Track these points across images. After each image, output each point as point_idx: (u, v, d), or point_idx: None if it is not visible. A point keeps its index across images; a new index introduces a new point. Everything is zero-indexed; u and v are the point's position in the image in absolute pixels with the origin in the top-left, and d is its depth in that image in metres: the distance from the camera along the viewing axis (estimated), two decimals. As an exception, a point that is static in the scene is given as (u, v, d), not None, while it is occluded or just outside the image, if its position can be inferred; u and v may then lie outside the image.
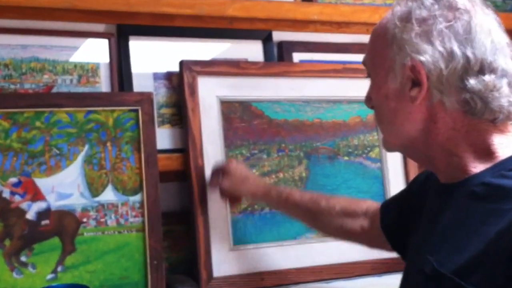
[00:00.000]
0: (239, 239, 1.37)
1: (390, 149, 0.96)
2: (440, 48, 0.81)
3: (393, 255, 1.21)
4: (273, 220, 1.41)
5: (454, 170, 0.85)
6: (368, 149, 1.54)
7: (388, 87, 0.87)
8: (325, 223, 1.20)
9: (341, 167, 1.50)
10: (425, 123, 0.85)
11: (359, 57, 1.63)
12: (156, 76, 1.45)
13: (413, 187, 1.06)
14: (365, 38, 1.65)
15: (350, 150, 1.52)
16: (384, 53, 0.87)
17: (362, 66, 1.54)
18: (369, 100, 0.95)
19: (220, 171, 1.32)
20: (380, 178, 1.53)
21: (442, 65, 0.81)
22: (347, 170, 1.50)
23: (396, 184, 1.52)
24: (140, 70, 1.43)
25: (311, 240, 1.43)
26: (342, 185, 1.49)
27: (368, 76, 0.94)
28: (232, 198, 1.34)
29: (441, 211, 0.86)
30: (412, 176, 1.52)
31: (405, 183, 1.53)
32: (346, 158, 1.51)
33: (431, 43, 0.82)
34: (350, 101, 1.54)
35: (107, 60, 1.41)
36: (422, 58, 0.82)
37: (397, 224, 1.06)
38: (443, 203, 0.86)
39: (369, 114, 1.55)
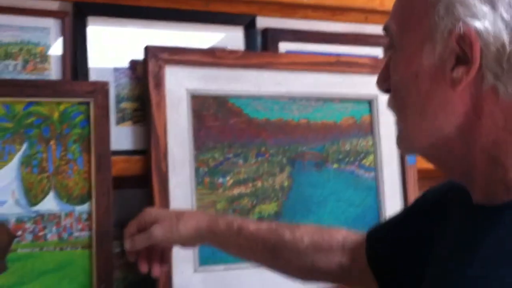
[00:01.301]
0: (206, 258, 1.17)
1: (409, 149, 0.73)
2: (505, 15, 0.60)
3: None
4: (248, 236, 1.21)
5: (497, 187, 0.64)
6: (362, 155, 1.33)
7: (421, 62, 0.64)
8: (290, 260, 0.93)
9: (329, 176, 1.30)
10: (466, 118, 0.63)
11: (355, 49, 1.45)
12: (117, 65, 1.24)
13: (418, 209, 0.85)
14: (362, 28, 1.48)
15: (341, 156, 1.32)
16: (420, 14, 0.64)
17: (359, 60, 1.37)
18: (385, 80, 0.71)
19: (136, 225, 0.98)
20: (374, 190, 1.33)
21: (506, 39, 0.60)
22: (336, 180, 1.30)
23: (392, 197, 1.33)
24: (99, 57, 1.22)
25: (292, 261, 1.23)
26: (330, 197, 1.29)
27: (390, 47, 0.70)
28: (161, 252, 1.00)
29: (476, 242, 0.64)
30: (412, 189, 1.33)
31: (402, 196, 1.33)
32: (336, 165, 1.31)
33: (493, 5, 0.60)
34: (343, 99, 1.34)
35: (60, 43, 1.20)
36: (478, 25, 0.60)
37: (392, 259, 0.84)
38: (479, 231, 0.65)
39: (364, 115, 1.35)
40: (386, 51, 0.72)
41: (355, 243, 0.90)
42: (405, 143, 0.71)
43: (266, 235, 0.94)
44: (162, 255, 0.99)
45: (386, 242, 0.86)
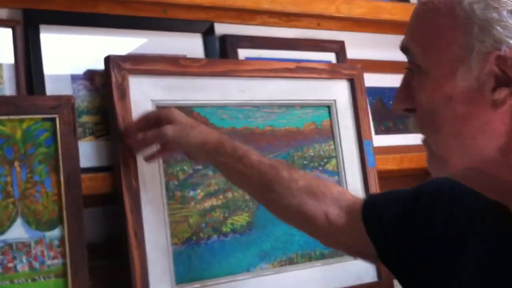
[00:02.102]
0: (183, 275, 1.12)
1: (443, 171, 0.71)
2: None
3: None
4: (222, 251, 1.18)
5: None
6: (325, 160, 1.34)
7: (454, 85, 0.64)
8: (280, 197, 0.96)
9: (296, 183, 1.29)
10: (508, 138, 0.64)
11: (311, 55, 1.45)
12: (74, 76, 1.16)
13: (423, 200, 0.85)
14: (316, 34, 1.48)
15: (305, 162, 1.31)
16: (449, 36, 0.64)
17: (317, 65, 1.38)
18: (405, 100, 0.70)
19: (154, 120, 1.07)
20: (339, 194, 1.33)
21: None
22: (303, 186, 1.29)
23: (356, 200, 1.34)
24: (54, 68, 1.13)
25: (267, 272, 1.21)
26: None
27: (412, 67, 0.70)
28: (167, 148, 1.09)
29: None
30: (374, 190, 1.36)
31: (366, 198, 1.35)
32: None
33: None
34: (303, 105, 1.34)
35: (11, 54, 1.10)
36: None
37: (395, 232, 0.84)
38: None
39: (324, 120, 1.36)
40: (407, 70, 0.70)
41: (352, 205, 0.91)
42: (438, 165, 0.70)
43: (265, 168, 0.97)
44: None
45: (387, 216, 0.87)
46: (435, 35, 0.66)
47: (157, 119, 1.06)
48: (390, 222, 0.86)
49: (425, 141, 0.71)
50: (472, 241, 0.72)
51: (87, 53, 1.18)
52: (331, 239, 0.97)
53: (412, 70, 0.70)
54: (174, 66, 1.18)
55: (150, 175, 1.12)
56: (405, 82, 0.71)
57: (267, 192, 0.97)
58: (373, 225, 0.88)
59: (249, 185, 1.01)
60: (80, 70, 1.16)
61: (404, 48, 0.70)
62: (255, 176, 0.98)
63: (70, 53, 1.16)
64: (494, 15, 0.61)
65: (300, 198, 0.94)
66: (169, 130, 1.03)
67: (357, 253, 0.98)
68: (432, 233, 0.80)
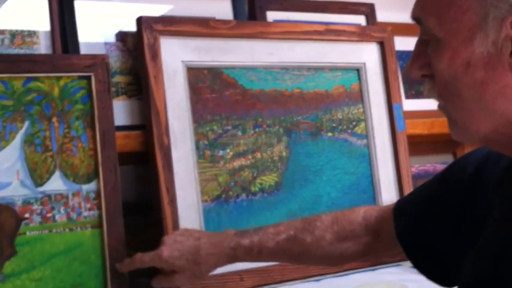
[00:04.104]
0: (213, 231, 1.16)
1: (466, 136, 0.71)
2: None
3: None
4: (250, 209, 1.21)
5: None
6: (354, 123, 1.35)
7: (472, 51, 0.65)
8: (319, 259, 0.96)
9: (324, 145, 1.31)
10: None
11: (340, 18, 1.46)
12: (107, 43, 1.19)
13: (450, 179, 0.85)
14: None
15: (334, 125, 1.33)
16: (463, 4, 0.65)
17: (347, 28, 1.38)
18: (421, 68, 0.71)
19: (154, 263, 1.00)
20: (367, 157, 1.35)
21: None
22: (331, 148, 1.31)
23: (384, 164, 1.35)
24: (88, 35, 1.16)
25: (294, 230, 1.23)
26: (327, 166, 1.30)
27: (425, 37, 0.70)
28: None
29: None
30: (403, 155, 1.36)
31: (394, 162, 1.36)
32: (329, 134, 1.32)
33: None
34: (332, 68, 1.35)
35: (47, 14, 1.13)
36: None
37: (422, 234, 0.86)
38: None
39: (353, 83, 1.36)
40: (420, 39, 0.71)
41: (377, 220, 0.92)
42: (461, 131, 0.71)
43: (288, 247, 0.95)
44: None
45: (414, 216, 0.87)
46: (448, 3, 0.66)
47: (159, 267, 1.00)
48: (417, 221, 0.87)
49: (441, 107, 0.72)
50: (498, 205, 0.73)
51: (118, 15, 1.20)
52: (380, 257, 1.01)
53: (426, 39, 0.70)
54: (204, 27, 1.21)
55: (180, 134, 1.15)
56: (418, 51, 0.71)
57: (304, 262, 1.01)
58: (403, 233, 0.89)
59: (285, 262, 1.06)
60: (113, 37, 1.19)
61: (415, 19, 0.70)
62: (284, 258, 1.00)
63: (102, 15, 1.19)
64: None
65: (337, 250, 0.94)
66: (181, 280, 0.98)
67: (392, 256, 1.00)
68: (459, 215, 0.80)
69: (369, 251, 0.94)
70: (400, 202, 0.92)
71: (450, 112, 0.71)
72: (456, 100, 0.68)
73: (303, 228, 0.95)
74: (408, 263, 1.26)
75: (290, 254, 0.96)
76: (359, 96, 1.36)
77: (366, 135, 1.35)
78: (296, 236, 0.95)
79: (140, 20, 1.15)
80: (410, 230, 0.87)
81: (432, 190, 0.87)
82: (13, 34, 1.10)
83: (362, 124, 1.36)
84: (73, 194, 1.02)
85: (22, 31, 1.11)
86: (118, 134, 1.11)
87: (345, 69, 1.36)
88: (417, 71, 0.71)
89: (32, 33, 1.11)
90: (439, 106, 0.72)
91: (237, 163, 1.21)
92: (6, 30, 1.09)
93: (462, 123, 0.69)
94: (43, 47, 1.12)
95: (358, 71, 1.37)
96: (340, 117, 1.34)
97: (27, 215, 0.98)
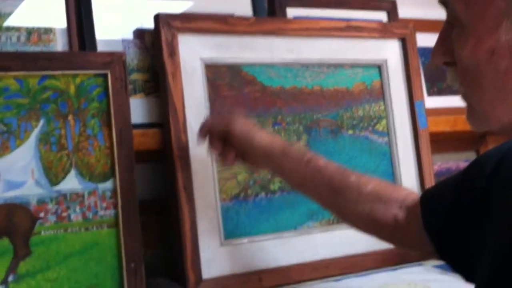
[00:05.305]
0: (231, 231, 1.14)
1: (485, 126, 0.69)
2: None
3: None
4: (269, 208, 1.18)
5: None
6: (375, 121, 1.32)
7: (497, 39, 0.62)
8: (349, 203, 0.93)
9: (345, 143, 1.28)
10: None
11: (361, 14, 1.42)
12: (125, 40, 1.17)
13: (474, 173, 0.83)
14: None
15: (354, 122, 1.30)
16: None
17: (368, 24, 1.35)
18: (444, 54, 0.68)
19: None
20: (388, 155, 1.32)
21: None
22: (352, 146, 1.29)
23: (406, 162, 1.32)
24: (105, 26, 1.15)
25: (313, 230, 1.21)
26: (347, 164, 1.24)
27: (451, 21, 0.68)
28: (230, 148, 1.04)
29: None
30: (425, 153, 1.33)
31: (416, 160, 1.33)
32: (350, 132, 1.29)
33: None
34: (353, 65, 1.32)
35: (63, 12, 1.12)
36: None
37: (448, 224, 0.83)
38: None
39: (374, 80, 1.33)
40: (446, 24, 0.69)
41: (414, 202, 0.89)
42: (480, 121, 0.68)
43: (333, 173, 0.94)
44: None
45: (441, 207, 0.85)
46: None
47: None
48: (445, 215, 0.84)
49: (464, 95, 0.69)
50: None
51: (136, 12, 1.19)
52: (398, 241, 0.96)
53: (451, 24, 0.68)
54: (223, 24, 1.19)
55: (199, 133, 1.13)
56: (443, 35, 0.69)
57: (336, 197, 0.95)
58: (430, 221, 0.86)
59: (317, 190, 0.97)
60: (130, 35, 1.17)
61: (442, 1, 0.68)
62: (323, 182, 0.95)
63: (120, 12, 1.17)
64: None
65: (370, 204, 0.92)
66: (237, 125, 1.01)
67: (419, 251, 0.96)
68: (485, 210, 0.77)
69: (395, 228, 0.90)
70: (426, 192, 0.90)
71: (471, 100, 0.69)
72: (477, 89, 0.66)
73: (354, 172, 0.96)
74: (430, 263, 1.24)
75: (331, 182, 0.94)
76: (380, 93, 1.33)
77: (388, 133, 1.32)
78: (345, 171, 0.95)
79: (158, 17, 1.13)
80: (436, 218, 0.85)
81: (455, 184, 0.84)
82: (29, 32, 1.09)
83: (384, 122, 1.32)
84: (89, 193, 1.00)
85: (38, 29, 1.10)
86: (135, 132, 1.09)
87: (366, 66, 1.33)
88: (440, 57, 0.69)
89: (48, 31, 1.10)
90: (462, 94, 0.70)
91: (256, 162, 1.19)
92: (22, 27, 1.08)
93: (482, 112, 0.67)
94: (59, 44, 1.11)
95: (379, 68, 1.34)
96: (361, 114, 1.31)
97: (42, 215, 0.97)
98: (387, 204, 0.91)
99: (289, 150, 0.98)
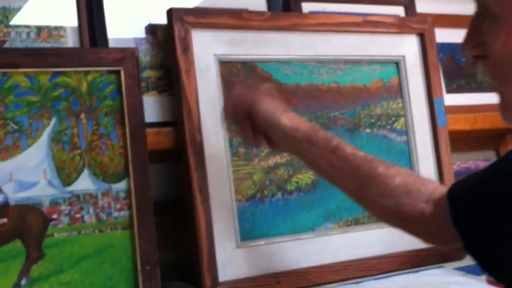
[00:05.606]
0: (247, 233, 1.11)
1: None
2: None
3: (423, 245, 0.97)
4: (286, 209, 1.15)
5: None
6: (393, 119, 1.28)
7: None
8: (376, 195, 0.87)
9: (363, 142, 1.24)
10: None
11: (378, 9, 1.39)
12: (136, 30, 1.14)
13: (506, 168, 0.79)
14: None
15: (372, 120, 1.26)
16: None
17: (385, 19, 1.31)
18: (474, 47, 0.66)
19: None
20: (407, 154, 1.28)
21: None
22: (370, 145, 1.25)
23: (425, 161, 1.28)
24: (116, 22, 1.12)
25: (331, 232, 1.18)
26: (365, 163, 1.24)
27: (482, 12, 0.65)
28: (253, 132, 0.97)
29: None
30: (445, 151, 1.30)
31: (435, 159, 1.29)
32: (368, 130, 1.26)
33: None
34: (370, 61, 1.28)
35: (74, 7, 1.09)
36: None
37: (480, 219, 0.79)
38: None
39: (392, 76, 1.30)
40: (475, 15, 0.67)
41: (442, 196, 0.85)
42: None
43: (361, 162, 0.88)
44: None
45: (470, 201, 0.81)
46: None
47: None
48: (474, 210, 0.80)
49: (497, 89, 0.67)
50: None
51: (148, 7, 1.16)
52: (425, 235, 0.92)
53: (481, 15, 0.65)
54: (237, 19, 1.15)
55: (213, 131, 1.10)
56: (474, 27, 0.66)
57: (363, 188, 0.90)
58: (458, 216, 0.83)
59: (342, 179, 0.92)
60: (143, 32, 1.14)
61: None
62: (350, 171, 0.89)
63: (131, 7, 1.14)
64: None
65: (397, 198, 0.87)
66: (261, 106, 0.93)
67: (447, 245, 0.93)
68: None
69: (421, 223, 0.86)
70: (454, 185, 0.85)
71: (504, 94, 0.66)
72: (509, 82, 0.64)
73: (383, 161, 0.90)
74: (451, 265, 1.21)
75: (358, 171, 0.88)
76: (398, 90, 1.30)
77: (406, 131, 1.29)
78: (373, 160, 0.89)
79: (170, 12, 1.10)
80: (464, 213, 0.80)
81: (485, 178, 0.79)
82: (39, 28, 1.06)
83: (402, 120, 1.29)
84: (103, 194, 0.97)
85: (48, 27, 1.06)
86: (149, 131, 1.06)
87: (384, 62, 1.29)
88: (470, 51, 0.67)
89: (59, 28, 1.07)
90: (494, 88, 0.68)
91: (272, 161, 1.15)
92: (31, 26, 1.05)
93: None
94: (70, 42, 1.08)
95: (397, 64, 1.30)
96: (379, 112, 1.27)
97: (55, 216, 0.94)
98: (414, 198, 0.86)
99: (316, 135, 0.92)
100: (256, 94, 0.96)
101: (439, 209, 0.85)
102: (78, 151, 0.96)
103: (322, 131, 0.93)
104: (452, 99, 1.41)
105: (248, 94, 0.96)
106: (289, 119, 0.93)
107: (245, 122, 0.95)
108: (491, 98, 0.71)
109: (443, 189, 0.87)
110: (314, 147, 0.91)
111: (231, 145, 1.12)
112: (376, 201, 0.89)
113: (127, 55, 1.01)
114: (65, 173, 0.95)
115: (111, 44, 1.10)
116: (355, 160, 0.89)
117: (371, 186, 0.88)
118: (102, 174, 0.97)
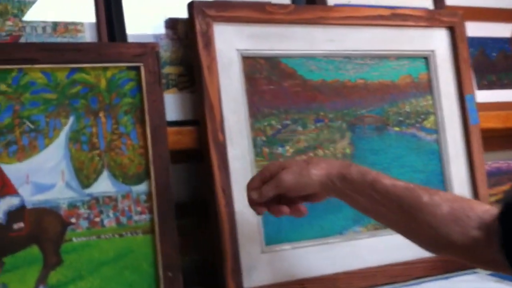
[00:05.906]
0: (273, 237, 1.06)
1: None
2: None
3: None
4: (313, 212, 1.09)
5: None
6: (422, 117, 1.23)
7: None
8: (424, 226, 0.82)
9: (391, 141, 1.19)
10: None
11: (406, 1, 1.33)
12: (155, 24, 1.09)
13: None
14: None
15: (401, 118, 1.21)
16: None
17: (414, 12, 1.25)
18: None
19: (260, 178, 0.92)
20: (437, 153, 1.22)
21: None
22: (398, 144, 1.20)
23: (456, 160, 1.23)
24: (135, 15, 1.07)
25: (360, 236, 1.12)
26: (394, 163, 1.18)
27: None
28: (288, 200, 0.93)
29: None
30: (476, 150, 1.24)
31: (467, 158, 1.24)
32: (396, 128, 1.20)
33: None
34: (398, 57, 1.23)
35: (92, 1, 1.04)
36: None
37: None
38: None
39: (421, 72, 1.24)
40: None
41: (493, 219, 0.79)
42: None
43: (403, 193, 0.83)
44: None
45: None
46: None
47: (271, 172, 0.91)
48: None
49: None
50: None
51: (169, 4, 1.11)
52: (478, 261, 0.86)
53: None
54: (260, 12, 1.10)
55: (236, 130, 1.05)
56: None
57: (408, 221, 0.85)
58: (509, 243, 0.77)
59: (386, 215, 0.87)
60: (162, 26, 1.09)
61: None
62: (393, 204, 0.85)
63: (152, 7, 1.09)
64: None
65: (447, 228, 0.81)
66: (286, 175, 0.88)
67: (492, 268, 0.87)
68: None
69: (474, 250, 0.80)
70: (507, 206, 0.79)
71: None
72: None
73: (424, 188, 0.85)
74: (485, 271, 1.15)
75: (402, 203, 0.83)
76: (427, 87, 1.24)
77: (436, 130, 1.23)
78: (415, 189, 0.84)
79: (191, 5, 1.05)
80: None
81: None
82: (55, 22, 1.01)
83: (432, 118, 1.23)
84: (123, 196, 0.92)
85: (65, 22, 1.02)
86: (169, 130, 1.01)
87: (413, 57, 1.24)
88: None
89: (76, 23, 1.03)
90: None
91: (297, 161, 1.10)
92: (47, 22, 1.01)
93: None
94: (88, 38, 1.03)
95: (426, 59, 1.25)
96: (408, 110, 1.22)
97: (73, 220, 0.89)
98: (464, 225, 0.81)
99: (349, 172, 0.87)
100: (279, 175, 0.90)
101: (493, 234, 0.79)
102: (97, 151, 0.92)
103: (354, 166, 0.88)
104: (482, 96, 1.35)
105: (271, 172, 0.91)
106: (317, 168, 0.89)
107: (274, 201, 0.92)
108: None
109: (494, 211, 0.81)
110: (350, 186, 0.87)
111: (255, 145, 1.07)
112: (425, 232, 0.83)
113: (147, 50, 0.96)
114: (83, 175, 0.90)
115: (130, 40, 1.05)
116: (396, 192, 0.84)
117: (418, 218, 0.82)
118: (122, 175, 0.93)
